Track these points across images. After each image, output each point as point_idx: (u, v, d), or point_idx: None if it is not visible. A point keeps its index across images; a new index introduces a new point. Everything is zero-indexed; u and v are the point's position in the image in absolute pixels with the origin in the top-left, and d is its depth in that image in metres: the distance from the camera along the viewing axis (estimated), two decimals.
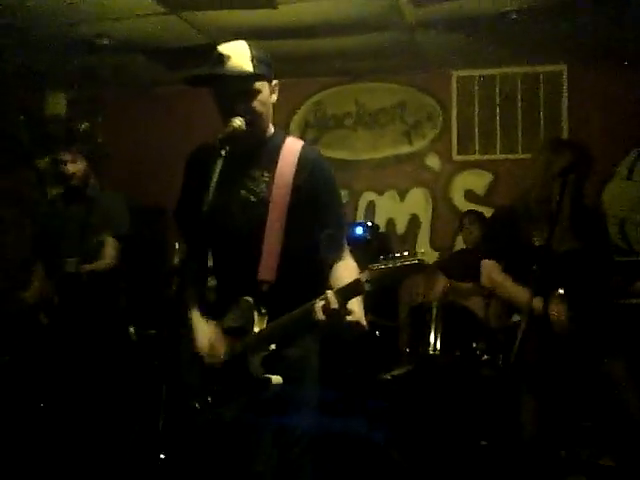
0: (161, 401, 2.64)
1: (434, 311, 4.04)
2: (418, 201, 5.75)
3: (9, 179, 5.44)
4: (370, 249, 4.96)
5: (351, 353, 3.91)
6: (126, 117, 6.04)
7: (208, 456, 2.17)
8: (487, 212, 4.81)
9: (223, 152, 1.97)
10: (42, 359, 3.69)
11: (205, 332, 2.15)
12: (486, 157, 5.62)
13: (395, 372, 4.12)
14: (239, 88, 2.08)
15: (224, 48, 2.09)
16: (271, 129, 2.21)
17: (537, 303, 2.72)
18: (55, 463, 3.45)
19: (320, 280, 2.11)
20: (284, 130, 2.30)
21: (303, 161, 2.15)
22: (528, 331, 2.62)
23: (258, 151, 2.18)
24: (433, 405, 3.92)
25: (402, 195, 5.79)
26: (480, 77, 5.62)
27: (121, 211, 3.96)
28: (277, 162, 2.14)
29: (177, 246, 4.32)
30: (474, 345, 3.86)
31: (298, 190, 2.12)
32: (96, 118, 5.68)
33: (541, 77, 5.51)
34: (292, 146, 2.19)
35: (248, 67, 2.07)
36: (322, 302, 1.92)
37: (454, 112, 5.69)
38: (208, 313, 2.20)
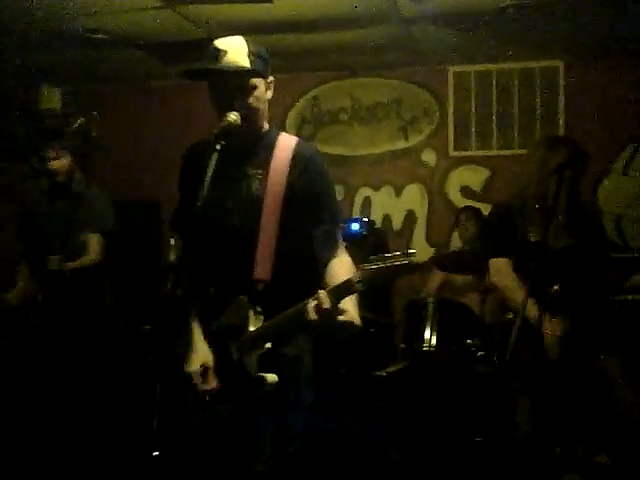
0: (155, 399, 2.64)
1: (429, 307, 4.04)
2: (414, 197, 5.74)
3: (4, 175, 5.41)
4: (366, 245, 4.96)
5: (346, 350, 3.91)
6: (122, 112, 6.02)
7: (203, 454, 2.17)
8: (483, 208, 4.81)
9: (218, 147, 1.97)
10: (28, 358, 3.66)
11: (201, 354, 2.12)
12: (482, 153, 5.61)
13: (390, 369, 4.11)
14: (235, 84, 2.06)
15: (221, 43, 2.08)
16: (266, 126, 2.20)
17: (533, 312, 2.71)
18: (46, 462, 3.44)
19: (315, 278, 2.10)
20: (280, 126, 2.29)
21: (297, 158, 2.14)
22: (523, 328, 2.62)
23: (252, 148, 2.17)
24: (428, 402, 3.92)
25: (398, 191, 5.78)
26: (476, 73, 5.61)
27: (106, 207, 3.93)
28: (271, 159, 2.13)
29: (172, 242, 4.31)
30: (469, 341, 3.86)
31: (292, 187, 2.11)
32: (91, 113, 5.66)
33: (537, 73, 5.50)
34: (286, 143, 2.17)
35: (245, 63, 2.06)
36: (314, 302, 1.91)
37: (450, 108, 5.68)
38: (204, 312, 2.19)
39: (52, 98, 6.10)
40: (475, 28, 4.69)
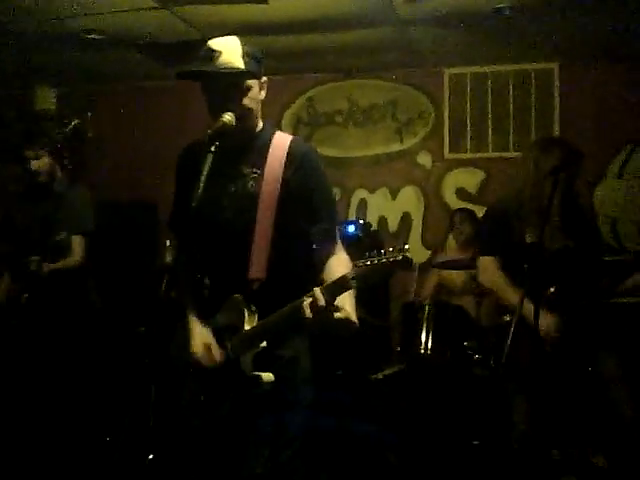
0: (150, 399, 2.63)
1: (426, 310, 4.03)
2: (410, 199, 5.74)
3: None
4: (362, 247, 4.94)
5: (342, 353, 3.90)
6: (119, 112, 6.01)
7: (200, 456, 2.16)
8: (479, 210, 4.80)
9: (212, 148, 1.96)
10: (11, 359, 3.62)
11: (201, 335, 2.13)
12: (478, 155, 5.62)
13: (386, 371, 4.11)
14: (230, 85, 2.06)
15: (215, 43, 2.07)
16: (260, 124, 2.20)
17: (528, 312, 2.71)
18: (34, 467, 3.41)
19: (311, 276, 2.10)
20: (275, 126, 2.28)
21: (292, 155, 2.14)
22: (519, 330, 2.62)
23: (247, 147, 2.16)
24: (425, 405, 3.92)
25: (394, 193, 5.78)
26: (472, 75, 5.61)
27: (87, 207, 3.89)
28: (266, 157, 2.13)
29: (168, 244, 4.30)
30: (466, 344, 3.85)
31: (288, 185, 2.11)
32: (86, 113, 5.65)
33: (533, 75, 5.50)
34: (281, 141, 2.17)
35: (239, 64, 2.05)
36: (310, 299, 1.90)
37: (446, 110, 5.68)
38: (200, 311, 2.18)
39: (47, 99, 6.08)
40: (471, 30, 4.70)
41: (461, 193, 5.64)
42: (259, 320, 2.06)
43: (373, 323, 4.45)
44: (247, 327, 2.06)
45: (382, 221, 5.76)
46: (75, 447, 3.55)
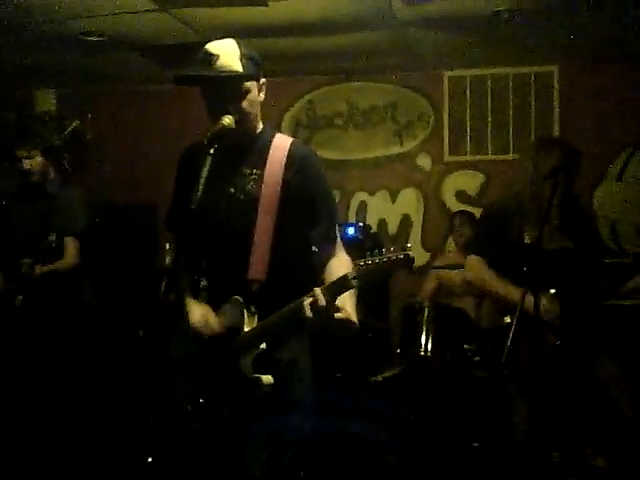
0: (149, 401, 2.62)
1: (425, 312, 4.03)
2: (410, 201, 5.74)
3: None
4: (362, 250, 4.94)
5: (342, 355, 3.90)
6: (119, 114, 6.01)
7: (199, 458, 2.15)
8: (479, 212, 4.79)
9: (212, 150, 1.96)
10: (11, 362, 3.61)
11: (198, 308, 2.14)
12: (478, 158, 5.62)
13: (386, 374, 4.10)
14: (229, 88, 2.06)
15: (213, 47, 2.07)
16: (260, 126, 2.20)
17: (528, 302, 2.70)
18: (35, 465, 3.40)
19: (311, 278, 2.10)
20: (275, 129, 2.29)
21: (292, 157, 2.14)
22: (519, 332, 2.61)
23: (247, 148, 2.16)
24: (425, 407, 3.91)
25: (393, 195, 5.78)
26: (472, 77, 5.62)
27: (80, 208, 3.88)
28: (266, 159, 2.13)
29: (167, 247, 4.29)
30: (465, 346, 3.85)
31: (288, 186, 2.11)
32: (86, 115, 5.65)
33: (532, 77, 5.51)
34: (281, 143, 2.17)
35: (237, 67, 2.05)
36: (310, 299, 1.90)
37: (446, 112, 5.68)
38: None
39: (47, 100, 6.08)
40: (470, 32, 4.70)
41: (461, 195, 5.65)
42: (259, 321, 2.06)
43: (373, 325, 4.45)
44: (247, 328, 2.06)
45: (382, 223, 5.76)
46: (74, 448, 3.54)
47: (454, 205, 5.58)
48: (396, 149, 5.78)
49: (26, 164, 3.74)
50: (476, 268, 3.04)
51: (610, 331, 3.11)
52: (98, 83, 5.89)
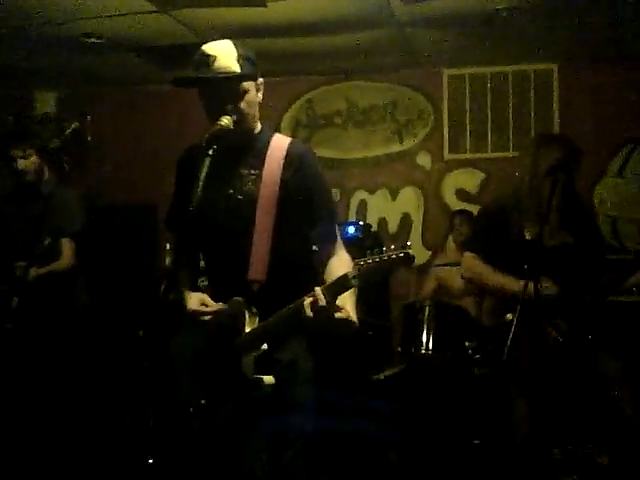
0: (150, 403, 2.62)
1: (426, 310, 4.03)
2: (410, 200, 5.74)
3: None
4: (362, 248, 4.94)
5: (343, 353, 3.90)
6: (119, 115, 6.02)
7: (200, 458, 2.16)
8: (478, 210, 4.80)
9: (210, 151, 1.96)
10: (10, 364, 3.60)
11: (195, 295, 2.15)
12: (477, 156, 5.62)
13: (387, 372, 4.10)
14: (227, 89, 2.06)
15: (210, 48, 2.07)
16: (258, 126, 2.20)
17: (517, 286, 2.72)
18: (33, 466, 3.40)
19: (312, 277, 2.10)
20: (275, 129, 2.29)
21: (290, 157, 2.14)
22: (520, 329, 2.62)
23: (245, 149, 2.17)
24: (426, 405, 3.91)
25: (394, 194, 5.78)
26: (471, 75, 5.61)
27: (76, 208, 3.85)
28: (265, 159, 2.14)
29: (168, 247, 4.30)
30: (466, 344, 3.85)
31: (286, 186, 2.11)
32: (86, 117, 5.65)
33: (532, 75, 5.50)
34: (279, 142, 2.18)
35: (235, 67, 2.06)
36: (310, 298, 1.90)
37: (445, 110, 5.68)
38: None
39: (47, 102, 6.09)
40: (469, 31, 4.70)
41: (461, 194, 5.64)
42: (260, 322, 2.07)
43: (374, 323, 4.45)
44: (248, 329, 2.06)
45: (382, 222, 5.76)
46: (73, 449, 3.54)
47: (454, 203, 5.58)
48: (396, 147, 5.78)
49: (21, 164, 3.71)
50: (471, 265, 3.05)
51: (611, 328, 3.11)
52: (98, 84, 5.89)
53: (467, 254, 3.09)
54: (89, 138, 5.70)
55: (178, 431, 2.22)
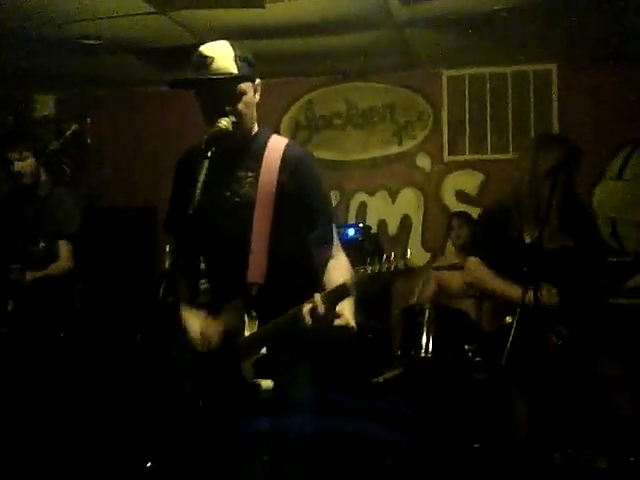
0: (148, 406, 2.61)
1: (426, 313, 4.02)
2: (409, 202, 5.73)
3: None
4: (362, 250, 4.94)
5: (342, 356, 3.89)
6: (118, 117, 6.02)
7: (199, 461, 2.15)
8: (479, 212, 4.79)
9: (209, 153, 1.96)
10: (7, 367, 3.59)
11: (196, 320, 2.14)
12: (477, 157, 5.61)
13: (387, 375, 4.09)
14: (225, 90, 2.05)
15: (207, 49, 2.07)
16: (255, 129, 2.19)
17: (517, 292, 2.69)
18: (31, 470, 3.39)
19: (310, 280, 2.09)
20: (274, 130, 2.28)
21: (287, 159, 2.13)
22: (520, 333, 2.61)
23: (243, 151, 2.16)
24: (426, 408, 3.90)
25: (393, 196, 5.77)
26: (470, 76, 5.61)
27: (72, 210, 3.84)
28: (261, 162, 2.12)
29: (167, 249, 4.29)
30: (466, 347, 3.84)
31: (283, 188, 2.10)
32: (85, 119, 5.64)
33: (531, 76, 5.50)
34: (276, 144, 2.16)
35: (233, 68, 2.05)
36: (309, 305, 1.90)
37: (444, 112, 5.67)
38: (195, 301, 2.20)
39: (46, 104, 6.08)
40: (468, 31, 4.69)
41: (461, 195, 5.63)
42: (259, 325, 2.06)
43: (374, 326, 4.44)
44: (247, 333, 2.06)
45: (382, 224, 5.75)
46: (70, 453, 3.53)
47: (454, 205, 5.57)
48: (395, 149, 5.77)
49: (17, 166, 3.70)
50: (475, 269, 3.03)
51: (611, 330, 3.10)
52: (97, 86, 5.89)
53: (471, 259, 3.06)
54: (89, 140, 5.69)
55: (177, 434, 2.21)
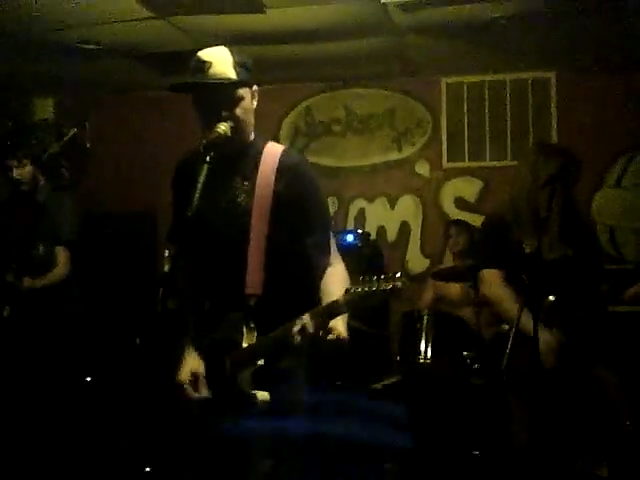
0: (147, 412, 2.61)
1: (425, 319, 4.02)
2: (408, 208, 5.73)
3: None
4: (361, 257, 4.94)
5: (341, 363, 3.89)
6: (117, 122, 6.01)
7: (198, 469, 2.14)
8: (478, 219, 4.79)
9: (207, 158, 1.94)
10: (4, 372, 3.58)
11: (191, 365, 2.11)
12: (476, 164, 5.62)
13: (386, 381, 4.09)
14: (223, 96, 2.04)
15: (205, 54, 2.06)
16: (252, 136, 2.17)
17: (528, 326, 2.64)
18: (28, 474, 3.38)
19: (309, 289, 2.08)
20: (273, 137, 2.28)
21: (283, 166, 2.11)
22: (519, 340, 2.60)
23: (239, 159, 2.14)
24: (424, 414, 3.89)
25: (392, 202, 5.77)
26: (469, 84, 5.62)
27: (71, 216, 3.83)
28: (257, 170, 2.10)
29: (167, 254, 4.28)
30: (465, 354, 3.84)
31: (279, 197, 2.08)
32: (84, 123, 5.65)
33: (530, 84, 5.51)
34: (272, 152, 2.14)
35: (231, 74, 2.04)
36: (299, 325, 1.88)
37: (443, 119, 5.68)
38: (200, 326, 2.16)
39: (45, 108, 6.08)
40: (467, 39, 4.70)
41: (459, 202, 5.64)
42: (258, 336, 2.04)
43: (372, 333, 4.43)
44: (245, 344, 2.04)
45: (381, 231, 5.75)
46: (69, 459, 3.52)
47: (453, 212, 5.57)
48: (394, 156, 5.77)
49: (16, 173, 3.70)
50: (495, 283, 2.96)
51: (610, 338, 3.09)
52: (96, 91, 5.89)
53: (490, 271, 2.98)
54: (88, 144, 5.69)
55: (175, 440, 2.20)
